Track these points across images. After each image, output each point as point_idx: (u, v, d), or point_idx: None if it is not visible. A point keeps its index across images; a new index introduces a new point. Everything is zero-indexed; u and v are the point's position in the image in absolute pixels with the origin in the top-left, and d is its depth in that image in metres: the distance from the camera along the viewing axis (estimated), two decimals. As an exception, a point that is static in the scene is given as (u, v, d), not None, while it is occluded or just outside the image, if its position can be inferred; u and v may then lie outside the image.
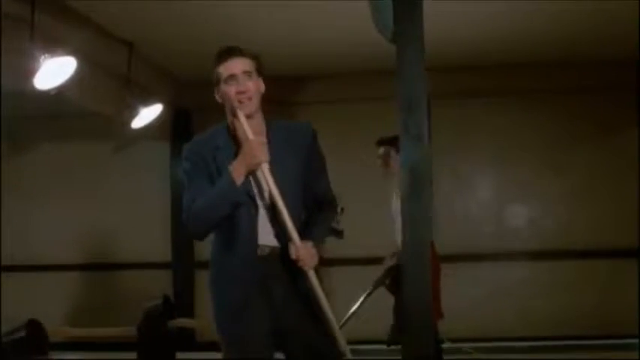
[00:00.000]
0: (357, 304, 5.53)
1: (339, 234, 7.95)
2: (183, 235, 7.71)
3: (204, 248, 8.02)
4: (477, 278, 7.49)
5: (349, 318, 5.48)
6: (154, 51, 6.65)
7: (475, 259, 7.54)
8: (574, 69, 7.39)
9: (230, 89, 2.79)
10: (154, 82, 6.93)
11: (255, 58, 2.86)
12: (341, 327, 5.32)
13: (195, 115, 7.82)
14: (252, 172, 2.79)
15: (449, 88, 7.62)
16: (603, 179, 7.55)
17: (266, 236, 2.82)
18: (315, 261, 2.80)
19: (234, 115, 2.81)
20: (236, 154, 2.79)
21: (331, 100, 7.74)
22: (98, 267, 7.96)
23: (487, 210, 7.70)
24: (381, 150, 5.42)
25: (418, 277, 3.59)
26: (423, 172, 3.65)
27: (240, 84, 2.78)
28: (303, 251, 2.76)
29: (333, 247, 7.67)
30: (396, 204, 5.35)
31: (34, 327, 3.76)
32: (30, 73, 4.84)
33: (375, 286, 5.43)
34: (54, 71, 4.93)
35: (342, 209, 7.89)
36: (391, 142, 5.32)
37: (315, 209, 2.94)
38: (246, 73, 2.80)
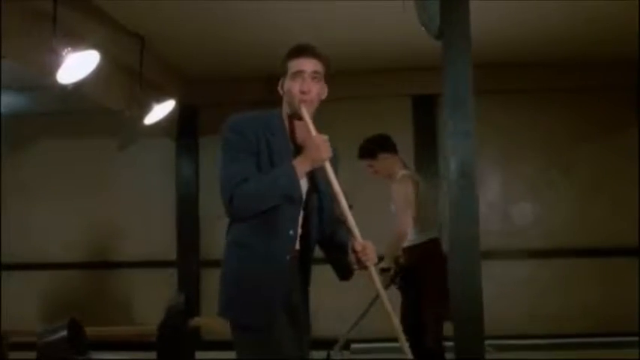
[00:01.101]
0: (369, 304, 5.43)
1: (348, 231, 7.95)
2: (188, 234, 7.68)
3: (210, 247, 7.97)
4: (485, 276, 7.50)
5: (361, 318, 5.42)
6: (162, 46, 6.57)
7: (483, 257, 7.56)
8: (582, 68, 7.43)
9: (294, 85, 2.79)
10: (162, 78, 6.84)
11: (326, 63, 2.87)
12: (353, 327, 5.33)
13: (202, 113, 7.76)
14: (313, 169, 2.78)
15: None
16: (609, 178, 7.62)
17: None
18: (376, 258, 2.83)
19: (295, 112, 2.82)
20: (296, 150, 2.79)
21: (337, 97, 7.70)
22: (103, 265, 7.85)
23: (493, 208, 7.74)
24: (363, 163, 5.24)
25: (468, 273, 3.59)
26: (470, 167, 3.63)
27: (306, 83, 2.79)
28: (368, 246, 2.76)
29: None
30: (394, 207, 5.31)
31: (75, 326, 3.68)
32: (53, 67, 4.75)
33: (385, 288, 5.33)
34: (77, 65, 4.84)
35: (351, 206, 7.92)
36: (366, 153, 5.20)
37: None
38: (315, 73, 2.81)
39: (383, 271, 5.04)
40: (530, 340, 7.26)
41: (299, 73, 2.79)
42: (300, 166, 2.73)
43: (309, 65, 2.80)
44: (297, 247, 2.82)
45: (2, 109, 7.01)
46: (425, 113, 7.70)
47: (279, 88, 2.88)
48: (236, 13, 5.84)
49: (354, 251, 2.80)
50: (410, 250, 5.03)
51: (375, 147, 5.19)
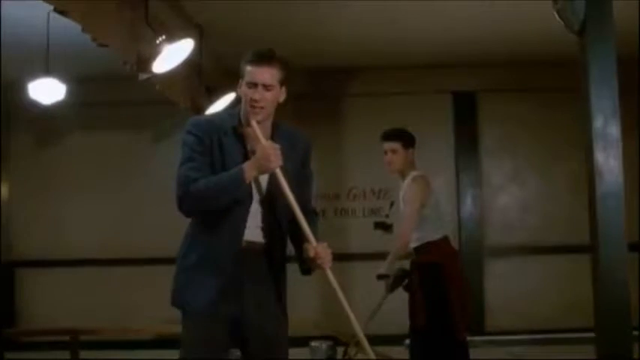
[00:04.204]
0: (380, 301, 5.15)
1: (387, 228, 7.91)
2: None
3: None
4: (522, 271, 7.62)
5: (373, 314, 5.34)
6: (216, 37, 6.47)
7: (520, 252, 7.69)
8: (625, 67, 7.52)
9: (248, 92, 2.86)
10: (219, 70, 6.73)
11: (283, 67, 2.91)
12: (366, 323, 5.18)
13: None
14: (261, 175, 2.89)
15: (495, 84, 7.75)
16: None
17: (253, 230, 2.91)
18: (331, 260, 2.91)
19: (247, 120, 2.89)
20: (245, 155, 2.86)
21: (379, 92, 7.73)
22: (139, 261, 7.70)
23: (528, 205, 7.83)
24: (387, 145, 4.93)
25: (614, 265, 3.62)
26: (616, 164, 3.66)
27: (257, 93, 2.84)
28: (322, 250, 2.87)
29: (382, 240, 7.69)
30: (402, 204, 5.27)
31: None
32: (150, 56, 4.63)
33: (394, 287, 5.11)
34: (172, 54, 4.73)
35: (393, 203, 7.90)
36: (401, 137, 4.98)
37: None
38: (267, 86, 2.85)
39: (380, 277, 4.90)
40: (566, 334, 7.34)
41: (253, 83, 2.85)
42: (248, 171, 2.82)
43: (262, 77, 2.85)
44: (261, 239, 2.92)
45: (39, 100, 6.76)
46: (465, 110, 7.76)
47: (237, 89, 2.95)
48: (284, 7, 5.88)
49: (309, 254, 2.89)
50: (425, 248, 4.99)
51: (411, 138, 5.03)
